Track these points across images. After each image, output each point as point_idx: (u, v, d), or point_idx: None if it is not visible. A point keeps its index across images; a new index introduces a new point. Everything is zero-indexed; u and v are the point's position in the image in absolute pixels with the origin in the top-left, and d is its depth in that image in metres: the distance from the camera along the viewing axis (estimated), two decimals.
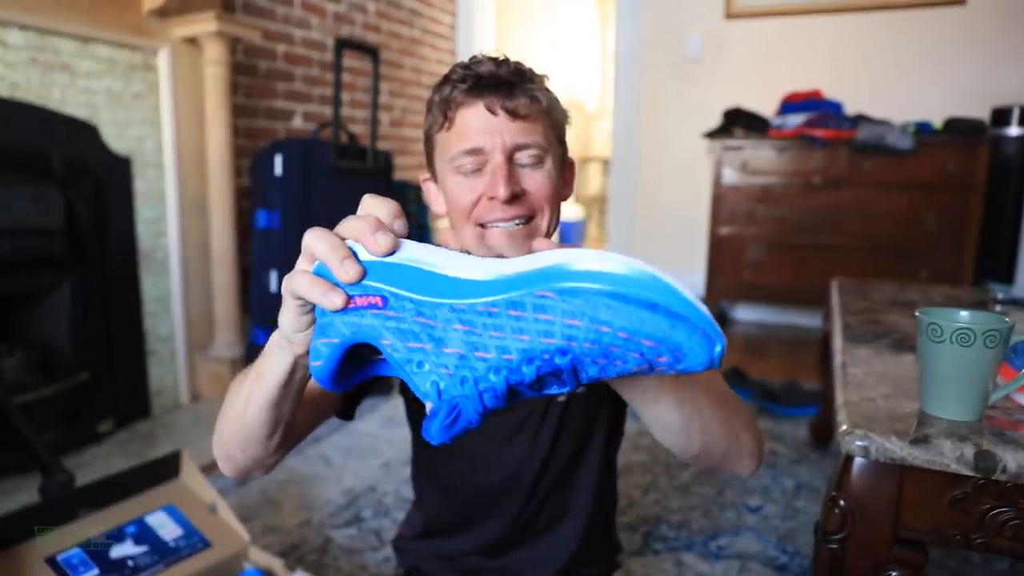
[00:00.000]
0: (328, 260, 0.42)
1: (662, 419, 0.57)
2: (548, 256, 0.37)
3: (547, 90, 0.75)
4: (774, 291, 3.10)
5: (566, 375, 0.37)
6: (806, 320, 3.31)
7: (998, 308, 1.36)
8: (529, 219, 0.73)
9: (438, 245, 0.44)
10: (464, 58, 0.74)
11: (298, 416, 0.62)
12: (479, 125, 0.71)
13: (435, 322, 0.38)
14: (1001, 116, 2.78)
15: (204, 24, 2.03)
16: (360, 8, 3.18)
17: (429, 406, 0.39)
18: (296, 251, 0.45)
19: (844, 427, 0.68)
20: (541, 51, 5.38)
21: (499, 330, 0.37)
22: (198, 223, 2.22)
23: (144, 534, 1.15)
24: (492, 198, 0.71)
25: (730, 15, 3.39)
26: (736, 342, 3.10)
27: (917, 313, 0.69)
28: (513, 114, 0.70)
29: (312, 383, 0.64)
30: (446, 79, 0.73)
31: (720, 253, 3.10)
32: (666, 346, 0.34)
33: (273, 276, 2.19)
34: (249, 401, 0.55)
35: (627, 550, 1.38)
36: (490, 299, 0.37)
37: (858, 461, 0.68)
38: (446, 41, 3.96)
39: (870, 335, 1.08)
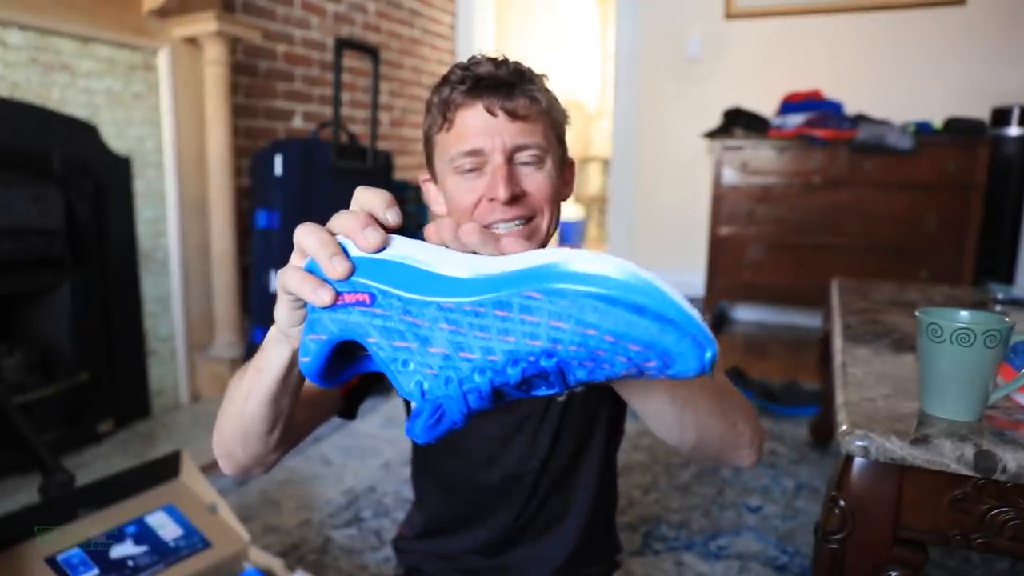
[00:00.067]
0: (317, 256, 0.41)
1: (655, 411, 0.57)
2: (538, 255, 0.36)
3: (547, 90, 0.75)
4: (774, 291, 3.10)
5: (553, 377, 0.37)
6: (806, 320, 3.31)
7: (998, 308, 1.36)
8: (530, 219, 0.73)
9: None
10: (464, 58, 0.74)
11: (298, 415, 0.62)
12: (479, 126, 0.71)
13: (422, 321, 0.38)
14: (1001, 116, 2.78)
15: (204, 24, 2.03)
16: (360, 8, 3.18)
17: (413, 405, 0.39)
18: None
19: (844, 427, 0.68)
20: (541, 51, 5.38)
21: (485, 331, 0.36)
22: (198, 223, 2.22)
23: (144, 534, 1.15)
24: (492, 199, 0.71)
25: (730, 15, 3.39)
26: (736, 342, 3.10)
27: (917, 313, 0.69)
28: (513, 115, 0.70)
29: (310, 382, 0.65)
30: (445, 80, 0.73)
31: (720, 253, 3.10)
32: (654, 351, 0.33)
33: (273, 276, 2.19)
34: (248, 397, 0.55)
35: (627, 550, 1.38)
36: (477, 298, 0.36)
37: (858, 461, 0.68)
38: (446, 41, 3.96)
39: (870, 335, 1.08)
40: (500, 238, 0.40)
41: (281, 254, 2.18)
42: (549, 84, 0.77)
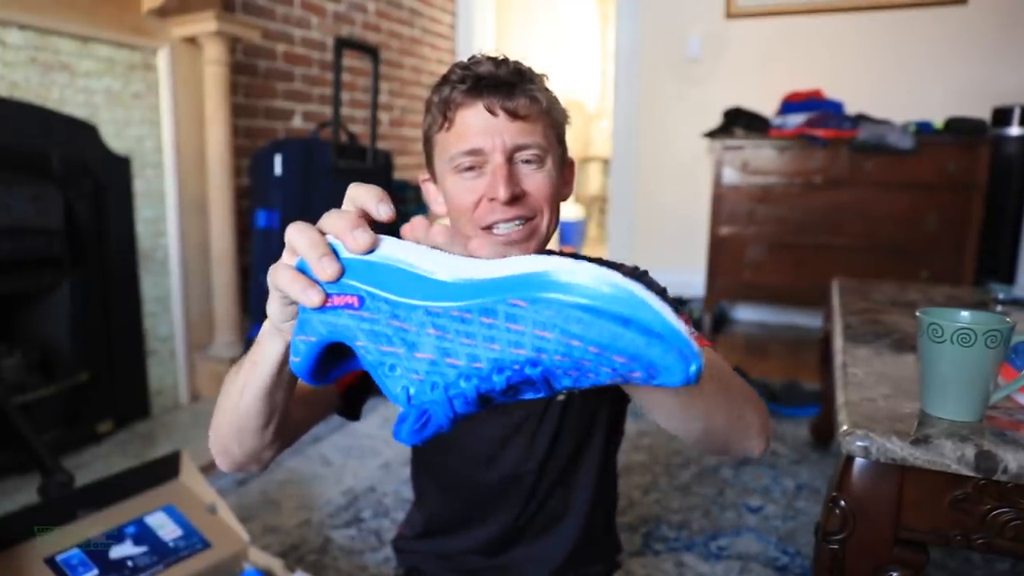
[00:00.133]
0: (307, 257, 0.41)
1: (660, 402, 0.57)
2: (527, 263, 0.36)
3: (547, 90, 0.75)
4: (774, 291, 3.09)
5: (539, 384, 0.36)
6: (806, 320, 3.31)
7: (999, 308, 1.36)
8: (529, 219, 0.73)
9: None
10: (464, 58, 0.74)
11: (294, 413, 0.62)
12: (479, 126, 0.70)
13: (409, 325, 0.38)
14: (1002, 116, 2.78)
15: (204, 24, 2.03)
16: (360, 8, 3.17)
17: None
18: None
19: (845, 427, 0.68)
20: (541, 51, 5.38)
21: (471, 337, 0.36)
22: (198, 223, 2.22)
23: (144, 534, 1.15)
24: (493, 199, 0.71)
25: (730, 15, 3.39)
26: (736, 342, 3.10)
27: (918, 313, 0.69)
28: (513, 115, 0.70)
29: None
30: (445, 79, 0.73)
31: (720, 253, 3.10)
32: (639, 363, 0.33)
33: None
34: (243, 391, 0.55)
35: (627, 550, 1.38)
36: (464, 303, 0.36)
37: (859, 461, 0.68)
38: (446, 41, 3.96)
39: (871, 335, 1.07)
40: (469, 240, 0.40)
41: (281, 254, 2.18)
42: (549, 84, 0.76)
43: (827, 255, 2.92)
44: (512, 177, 0.71)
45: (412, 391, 0.38)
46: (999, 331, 0.64)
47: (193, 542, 1.18)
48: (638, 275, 0.82)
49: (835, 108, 3.00)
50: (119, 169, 1.97)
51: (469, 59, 0.73)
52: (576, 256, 0.86)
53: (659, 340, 0.32)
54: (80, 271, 1.87)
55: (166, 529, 1.18)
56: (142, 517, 1.18)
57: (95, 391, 1.91)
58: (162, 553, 1.14)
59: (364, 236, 0.41)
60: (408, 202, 2.99)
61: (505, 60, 0.73)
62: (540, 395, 0.38)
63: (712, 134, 3.08)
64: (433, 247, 0.41)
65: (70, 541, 1.10)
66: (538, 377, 0.35)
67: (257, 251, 2.27)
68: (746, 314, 3.53)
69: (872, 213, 2.85)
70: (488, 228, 0.72)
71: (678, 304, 0.78)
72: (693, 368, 0.33)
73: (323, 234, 0.42)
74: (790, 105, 3.07)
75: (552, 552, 0.89)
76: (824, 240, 2.94)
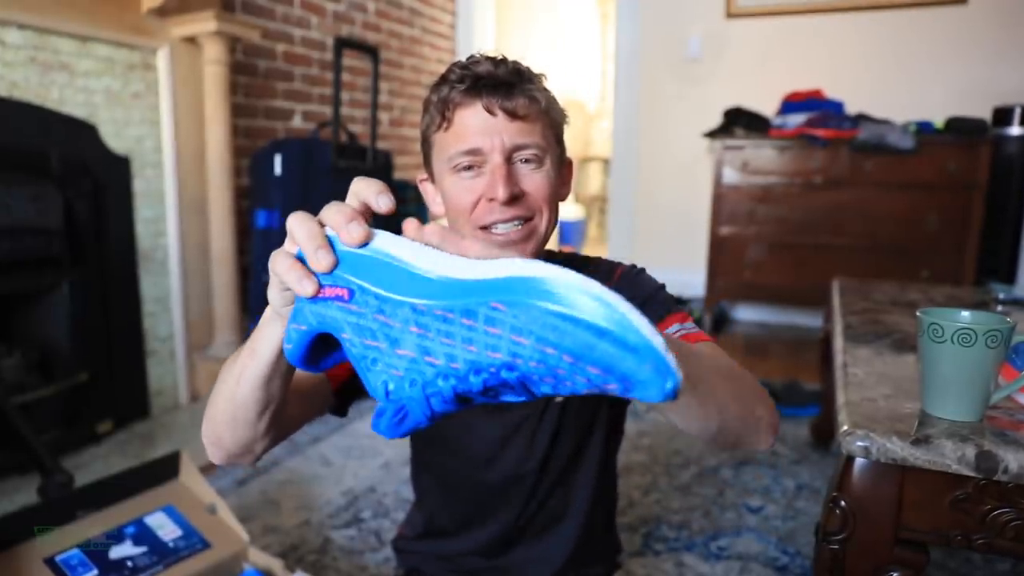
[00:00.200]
0: (304, 248, 0.42)
1: (674, 406, 0.56)
2: (513, 266, 0.36)
3: (545, 90, 0.75)
4: (775, 291, 3.09)
5: (517, 388, 0.36)
6: (807, 320, 3.31)
7: (999, 308, 1.35)
8: (528, 219, 0.73)
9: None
10: (464, 58, 0.74)
11: (290, 408, 0.62)
12: (478, 126, 0.70)
13: (394, 321, 0.38)
14: (1002, 116, 2.78)
15: (203, 23, 2.03)
16: (360, 7, 3.17)
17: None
18: None
19: (845, 427, 0.68)
20: (541, 51, 5.37)
21: (450, 337, 0.36)
22: (197, 223, 2.22)
23: (143, 535, 1.15)
24: (491, 199, 0.71)
25: (730, 15, 3.39)
26: (737, 342, 3.10)
27: (918, 313, 0.69)
28: (512, 114, 0.70)
29: (300, 375, 0.64)
30: (444, 79, 0.73)
31: (720, 253, 3.10)
32: (614, 375, 0.32)
33: None
34: (240, 379, 0.55)
35: (627, 550, 1.38)
36: (447, 303, 0.36)
37: (859, 461, 0.68)
38: (446, 41, 3.96)
39: (871, 335, 1.07)
40: (463, 239, 0.40)
41: None
42: (549, 84, 0.76)
43: (827, 255, 2.92)
44: (511, 177, 0.71)
45: (391, 386, 0.39)
46: (999, 331, 0.63)
47: (193, 542, 1.18)
48: (634, 273, 0.82)
49: (835, 108, 3.00)
50: (119, 169, 1.97)
51: (468, 59, 0.73)
52: (575, 256, 0.86)
53: (633, 354, 0.31)
54: (80, 271, 1.87)
55: (166, 529, 1.18)
56: (142, 517, 1.18)
57: (95, 391, 1.91)
58: (162, 553, 1.14)
59: (358, 229, 0.41)
60: (408, 202, 2.98)
61: (504, 60, 0.73)
62: (521, 399, 0.38)
63: (712, 134, 3.08)
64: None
65: (70, 541, 1.10)
66: (515, 381, 0.35)
67: (257, 251, 2.27)
68: (746, 314, 3.53)
69: (872, 213, 2.85)
70: (486, 228, 0.72)
71: (677, 303, 0.77)
72: (669, 385, 0.32)
73: (323, 226, 0.43)
74: (790, 105, 3.07)
75: (553, 553, 0.89)
76: (824, 240, 2.94)
